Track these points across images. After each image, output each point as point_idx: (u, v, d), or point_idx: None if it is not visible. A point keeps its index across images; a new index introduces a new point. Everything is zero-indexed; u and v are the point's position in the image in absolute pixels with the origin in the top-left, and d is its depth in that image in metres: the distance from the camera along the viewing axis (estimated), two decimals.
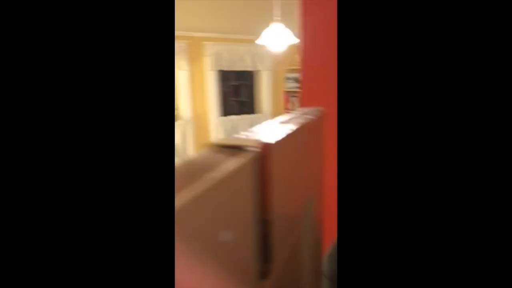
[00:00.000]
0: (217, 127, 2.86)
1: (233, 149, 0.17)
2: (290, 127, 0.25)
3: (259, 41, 1.75)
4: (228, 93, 3.10)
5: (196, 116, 2.77)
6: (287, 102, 3.26)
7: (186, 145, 2.73)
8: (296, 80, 3.17)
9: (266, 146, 0.18)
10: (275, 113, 3.19)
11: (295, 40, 1.59)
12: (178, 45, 2.51)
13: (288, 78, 3.20)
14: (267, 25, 1.84)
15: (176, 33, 2.47)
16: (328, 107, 0.61)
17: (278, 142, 0.20)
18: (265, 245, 0.23)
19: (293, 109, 3.13)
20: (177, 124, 2.65)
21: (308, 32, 0.90)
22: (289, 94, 3.22)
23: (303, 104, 0.91)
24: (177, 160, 0.16)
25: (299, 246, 0.44)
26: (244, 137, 0.20)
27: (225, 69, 2.80)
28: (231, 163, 0.14)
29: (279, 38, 1.65)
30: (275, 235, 0.24)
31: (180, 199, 0.09)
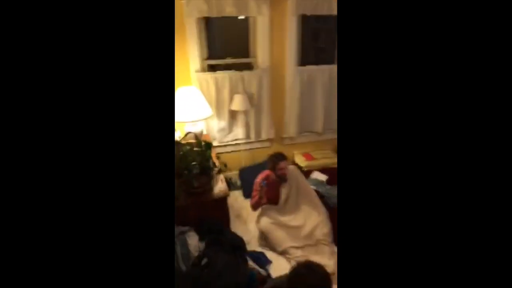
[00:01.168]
0: (294, 77, 2.76)
1: None
2: None
3: None
4: (306, 38, 2.90)
5: (273, 64, 2.70)
6: None
7: (262, 94, 2.74)
8: None
9: None
10: None
11: None
12: None
13: None
14: None
15: None
16: None
17: None
18: None
19: None
20: (254, 73, 2.65)
21: None
22: None
23: None
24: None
25: None
26: None
27: (309, 13, 2.59)
28: None
29: None
30: None
31: None
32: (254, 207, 2.23)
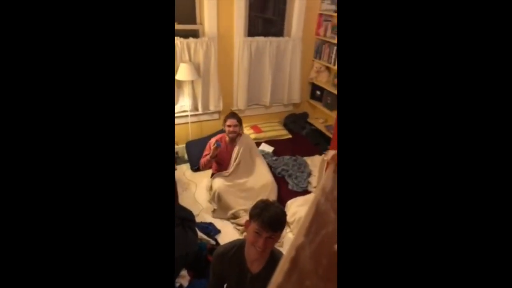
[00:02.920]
0: (242, 48, 2.70)
1: None
2: None
3: None
4: (254, 9, 2.84)
5: (221, 33, 2.60)
6: (319, 26, 2.98)
7: (209, 64, 2.64)
8: (333, 1, 2.83)
9: None
10: (304, 39, 2.95)
11: None
12: None
13: None
14: None
15: None
16: None
17: None
18: None
19: (324, 36, 2.89)
20: (201, 41, 2.52)
21: None
22: (323, 17, 2.92)
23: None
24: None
25: None
26: None
27: None
28: None
29: None
30: None
31: None
32: (204, 165, 2.26)
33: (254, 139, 2.84)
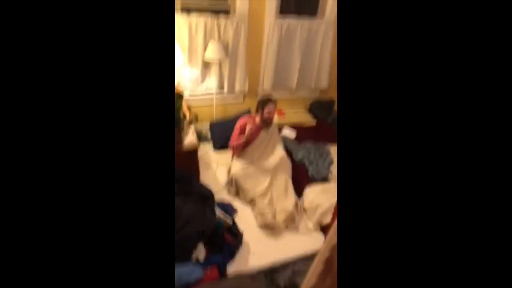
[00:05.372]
0: (273, 29, 2.63)
1: None
2: None
3: None
4: None
5: (252, 11, 2.53)
6: None
7: (238, 43, 2.60)
8: None
9: None
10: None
11: None
12: None
13: None
14: None
15: None
16: None
17: None
18: None
19: None
20: (231, 20, 2.47)
21: None
22: None
23: None
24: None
25: None
26: None
27: None
28: None
29: None
30: None
31: None
32: (237, 149, 2.24)
33: (278, 123, 2.82)
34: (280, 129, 2.77)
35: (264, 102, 2.18)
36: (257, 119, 2.25)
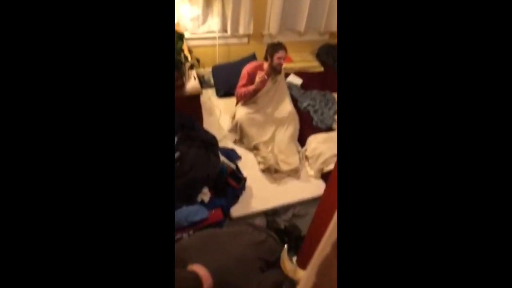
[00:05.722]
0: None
1: None
2: None
3: None
4: None
5: None
6: None
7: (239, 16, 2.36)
8: None
9: None
10: None
11: None
12: None
13: None
14: None
15: None
16: None
17: None
18: None
19: None
20: None
21: None
22: None
23: None
24: None
25: None
26: None
27: None
28: None
29: None
30: None
31: None
32: (245, 99, 2.17)
33: (283, 68, 2.70)
34: (286, 75, 2.66)
35: (274, 48, 2.04)
36: (266, 66, 2.12)
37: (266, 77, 2.07)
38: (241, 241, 1.11)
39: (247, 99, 2.19)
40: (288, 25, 2.81)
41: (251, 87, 2.10)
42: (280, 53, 2.03)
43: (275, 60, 2.05)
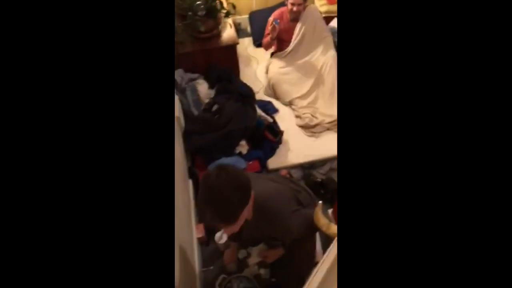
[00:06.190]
0: None
1: None
2: None
3: None
4: None
5: None
6: None
7: None
8: None
9: None
10: None
11: None
12: None
13: None
14: None
15: None
16: None
17: None
18: None
19: None
20: None
21: None
22: None
23: None
24: None
25: None
26: None
27: None
28: None
29: None
30: None
31: None
32: (266, 47, 2.14)
33: (325, 12, 2.46)
34: (330, 19, 2.42)
35: None
36: (287, 13, 1.99)
37: (278, 22, 1.94)
38: (280, 182, 1.16)
39: (269, 47, 2.12)
40: None
41: (268, 36, 2.01)
42: None
43: (289, 5, 1.92)
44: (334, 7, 2.55)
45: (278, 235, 1.06)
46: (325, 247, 1.36)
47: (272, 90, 2.16)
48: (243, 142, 1.85)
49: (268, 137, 1.90)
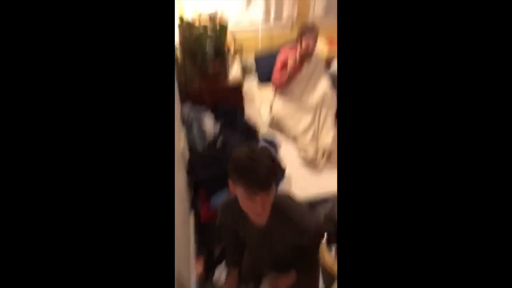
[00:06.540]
0: None
1: None
2: None
3: None
4: None
5: None
6: None
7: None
8: None
9: None
10: None
11: None
12: None
13: None
14: None
15: None
16: None
17: None
18: None
19: None
20: None
21: None
22: None
23: None
24: None
25: None
26: None
27: None
28: None
29: None
30: None
31: None
32: (280, 87, 2.17)
33: (328, 54, 2.60)
34: (329, 62, 2.56)
35: (302, 33, 1.98)
36: (297, 52, 2.07)
37: (296, 63, 2.02)
38: None
39: (283, 87, 2.17)
40: (335, 7, 2.67)
41: (284, 75, 2.08)
42: (308, 38, 1.95)
43: (303, 46, 1.99)
44: (333, 49, 2.70)
45: (303, 233, 1.00)
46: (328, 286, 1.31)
47: (277, 126, 2.23)
48: None
49: None
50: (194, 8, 2.29)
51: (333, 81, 2.22)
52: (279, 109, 2.18)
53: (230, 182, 0.87)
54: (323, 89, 2.14)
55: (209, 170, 1.73)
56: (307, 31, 1.97)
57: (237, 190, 0.85)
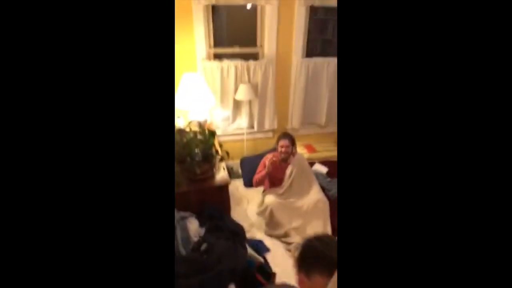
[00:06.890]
0: (299, 68, 2.75)
1: None
2: None
3: None
4: (314, 30, 2.88)
5: (280, 55, 2.69)
6: None
7: (267, 84, 2.74)
8: None
9: None
10: None
11: None
12: None
13: None
14: None
15: None
16: None
17: None
18: None
19: None
20: (260, 63, 2.64)
21: None
22: None
23: None
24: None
25: None
26: None
27: (317, 4, 2.56)
28: None
29: None
30: None
31: None
32: (258, 181, 2.32)
33: (308, 158, 2.81)
34: (311, 164, 2.74)
35: (278, 138, 2.31)
36: (277, 154, 2.33)
37: (272, 161, 2.25)
38: None
39: (261, 182, 2.33)
40: (309, 118, 3.06)
41: (263, 172, 2.29)
42: (282, 142, 2.27)
43: (279, 148, 2.29)
44: (315, 154, 2.93)
45: None
46: None
47: (269, 216, 2.17)
48: (232, 286, 1.68)
49: (259, 280, 1.75)
50: (185, 116, 2.56)
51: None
52: (273, 200, 2.21)
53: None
54: (316, 195, 2.22)
55: (193, 280, 1.57)
56: (282, 137, 2.29)
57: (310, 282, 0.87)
